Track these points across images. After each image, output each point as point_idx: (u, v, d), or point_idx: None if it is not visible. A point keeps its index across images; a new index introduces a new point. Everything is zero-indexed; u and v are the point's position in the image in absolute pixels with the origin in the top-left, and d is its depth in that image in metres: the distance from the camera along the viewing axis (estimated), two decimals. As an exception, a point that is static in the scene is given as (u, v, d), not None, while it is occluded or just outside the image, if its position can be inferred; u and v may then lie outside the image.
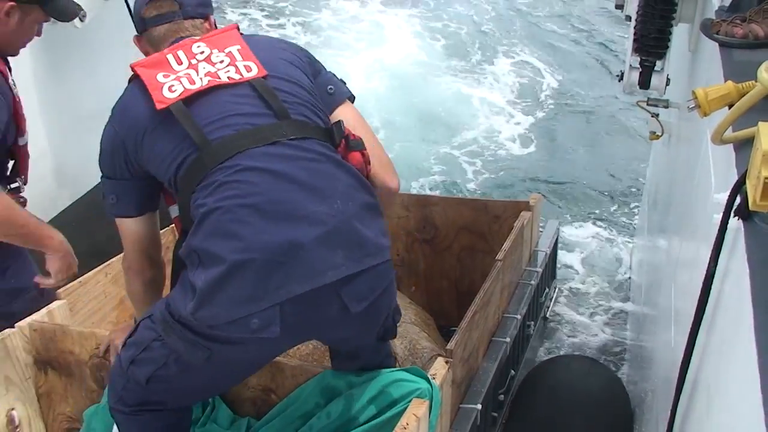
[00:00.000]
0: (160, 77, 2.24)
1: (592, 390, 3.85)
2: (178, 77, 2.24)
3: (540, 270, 4.33)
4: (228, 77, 2.26)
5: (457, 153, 8.96)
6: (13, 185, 3.06)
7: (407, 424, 2.33)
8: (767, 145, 1.30)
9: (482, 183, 8.24)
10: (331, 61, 8.04)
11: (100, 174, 2.40)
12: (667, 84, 3.62)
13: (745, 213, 1.50)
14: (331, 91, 2.47)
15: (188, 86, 2.22)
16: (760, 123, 1.39)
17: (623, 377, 4.67)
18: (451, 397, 2.84)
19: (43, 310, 3.01)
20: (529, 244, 4.32)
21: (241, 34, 2.42)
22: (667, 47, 3.50)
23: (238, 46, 2.33)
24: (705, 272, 1.71)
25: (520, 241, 3.98)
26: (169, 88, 2.22)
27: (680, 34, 3.65)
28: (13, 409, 2.91)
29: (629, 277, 6.13)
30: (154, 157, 2.26)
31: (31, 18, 2.96)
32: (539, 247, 4.58)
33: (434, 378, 2.60)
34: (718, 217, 1.63)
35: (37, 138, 4.57)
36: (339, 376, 2.55)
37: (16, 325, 2.91)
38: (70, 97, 4.86)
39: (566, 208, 7.56)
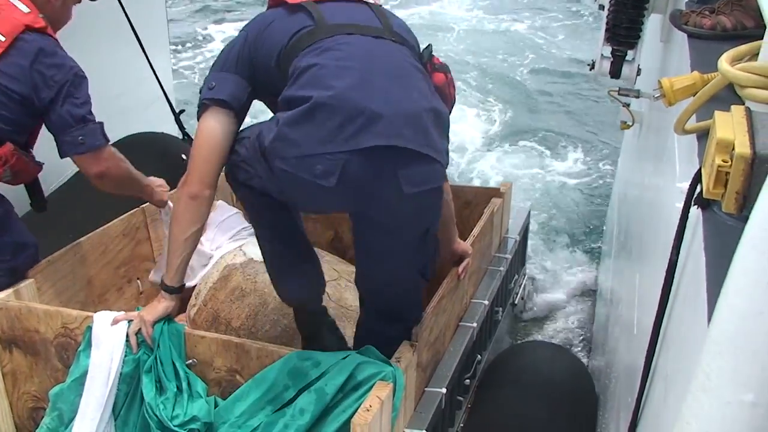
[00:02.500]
0: None
1: (557, 376, 3.88)
2: None
3: (509, 256, 4.35)
4: None
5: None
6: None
7: (370, 405, 2.35)
8: (721, 133, 1.31)
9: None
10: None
11: (210, 72, 2.64)
12: (638, 74, 3.64)
13: (704, 202, 1.51)
14: None
15: None
16: (716, 112, 1.41)
17: (589, 364, 4.72)
18: (416, 380, 2.85)
19: (9, 289, 2.99)
20: (499, 231, 4.34)
21: None
22: (639, 37, 3.52)
23: None
24: (668, 261, 1.73)
25: (490, 228, 4.00)
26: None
27: (652, 24, 3.67)
28: (-23, 387, 2.91)
29: (597, 268, 6.17)
30: (270, 36, 2.54)
31: (70, 1, 3.26)
32: (509, 233, 4.60)
33: (399, 361, 2.61)
34: (680, 206, 1.65)
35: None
36: (305, 357, 2.55)
37: None
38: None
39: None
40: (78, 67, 3.06)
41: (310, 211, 2.53)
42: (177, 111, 5.04)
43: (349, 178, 2.26)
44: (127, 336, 2.70)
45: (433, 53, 2.75)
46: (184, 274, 2.75)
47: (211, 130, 2.58)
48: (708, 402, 1.05)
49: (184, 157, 5.11)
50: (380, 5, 2.69)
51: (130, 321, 2.72)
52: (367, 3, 2.66)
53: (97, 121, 3.09)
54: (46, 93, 2.95)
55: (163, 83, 5.10)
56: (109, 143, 3.15)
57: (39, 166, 3.14)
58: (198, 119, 2.62)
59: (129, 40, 4.73)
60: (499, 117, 10.39)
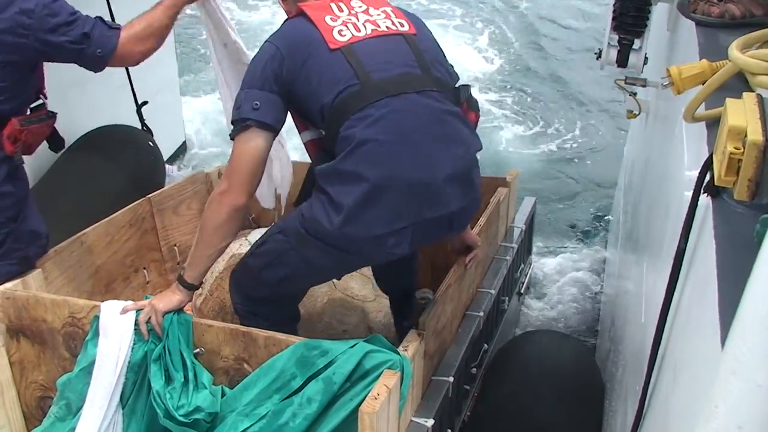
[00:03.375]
0: (328, 20, 2.63)
1: (564, 365, 3.88)
2: (345, 23, 2.64)
3: (515, 246, 4.35)
4: (386, 27, 2.69)
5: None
6: (38, 102, 3.06)
7: (378, 394, 2.35)
8: (733, 120, 1.31)
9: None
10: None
11: (242, 89, 2.66)
12: (645, 63, 3.63)
13: (714, 190, 1.51)
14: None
15: (355, 33, 2.63)
16: (727, 99, 1.40)
17: (595, 352, 4.72)
18: (423, 368, 2.86)
19: (17, 279, 3.00)
20: (505, 220, 4.34)
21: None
22: (646, 26, 3.50)
23: (390, 8, 2.79)
24: (675, 249, 1.73)
25: (496, 217, 4.00)
26: (339, 32, 2.62)
27: (659, 12, 3.66)
28: (-16, 377, 2.91)
29: (604, 255, 6.16)
30: (312, 80, 2.60)
31: None
32: (515, 223, 4.60)
33: (406, 349, 2.62)
34: (689, 194, 1.64)
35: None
36: (312, 346, 2.55)
37: None
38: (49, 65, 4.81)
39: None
40: None
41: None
42: (140, 102, 5.12)
43: (417, 240, 2.57)
44: (137, 324, 2.70)
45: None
46: (204, 275, 2.82)
47: (258, 148, 2.62)
48: (738, 385, 1.03)
49: (150, 144, 5.24)
50: (413, 35, 2.72)
51: (139, 310, 2.72)
52: (402, 35, 2.71)
53: (90, 18, 2.92)
54: (25, 42, 2.79)
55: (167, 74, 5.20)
56: (119, 29, 2.96)
57: (52, 118, 3.10)
58: (236, 132, 2.65)
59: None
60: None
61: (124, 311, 2.73)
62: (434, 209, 2.52)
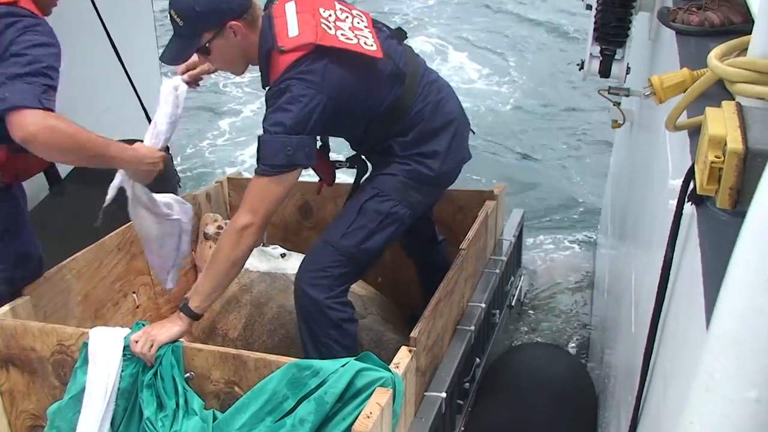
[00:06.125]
0: (342, 38, 2.83)
1: (557, 376, 3.88)
2: (357, 36, 2.89)
3: (505, 259, 4.35)
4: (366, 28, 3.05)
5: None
6: None
7: (371, 412, 2.34)
8: (713, 129, 1.31)
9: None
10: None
11: (287, 133, 2.71)
12: (628, 72, 3.65)
13: (697, 198, 1.51)
14: None
15: (372, 42, 2.93)
16: (707, 108, 1.41)
17: (587, 363, 4.71)
18: (416, 385, 2.85)
19: (6, 307, 2.97)
20: (494, 233, 4.34)
21: None
22: (627, 36, 3.52)
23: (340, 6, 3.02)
24: (663, 259, 1.73)
25: (484, 230, 4.00)
26: (365, 43, 2.90)
27: (640, 22, 3.68)
28: (-26, 407, 2.89)
29: (593, 266, 6.17)
30: (366, 90, 2.96)
31: None
32: (504, 235, 4.60)
33: (398, 367, 2.60)
34: (674, 203, 1.64)
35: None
36: (303, 367, 2.54)
37: None
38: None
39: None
40: (34, 20, 2.66)
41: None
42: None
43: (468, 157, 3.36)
44: (125, 350, 2.68)
45: None
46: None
47: (290, 188, 2.81)
48: (712, 400, 1.04)
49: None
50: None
51: (127, 336, 2.70)
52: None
53: (44, 84, 2.58)
54: None
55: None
56: (43, 108, 2.54)
57: None
58: (278, 172, 2.74)
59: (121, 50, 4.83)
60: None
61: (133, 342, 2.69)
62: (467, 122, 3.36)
